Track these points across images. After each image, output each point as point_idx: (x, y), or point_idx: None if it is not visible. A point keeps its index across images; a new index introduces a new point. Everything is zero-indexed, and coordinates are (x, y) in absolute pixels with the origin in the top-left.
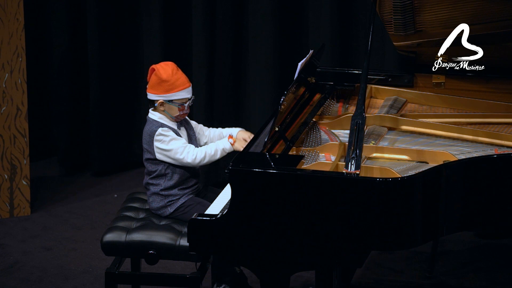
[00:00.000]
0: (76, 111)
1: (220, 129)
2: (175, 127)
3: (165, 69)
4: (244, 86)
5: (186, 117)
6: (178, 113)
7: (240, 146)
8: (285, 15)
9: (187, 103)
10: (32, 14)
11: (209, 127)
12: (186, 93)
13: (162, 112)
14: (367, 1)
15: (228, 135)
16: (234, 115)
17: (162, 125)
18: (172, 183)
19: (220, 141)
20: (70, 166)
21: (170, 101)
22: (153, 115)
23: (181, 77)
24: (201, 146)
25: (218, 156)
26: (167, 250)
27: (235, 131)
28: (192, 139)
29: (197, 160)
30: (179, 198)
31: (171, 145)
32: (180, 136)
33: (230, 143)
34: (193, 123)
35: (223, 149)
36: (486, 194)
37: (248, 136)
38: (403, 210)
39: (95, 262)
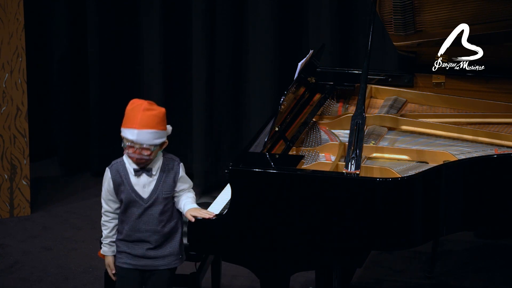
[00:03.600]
0: (76, 111)
1: (183, 202)
2: (133, 169)
3: (131, 103)
4: (244, 86)
5: (176, 172)
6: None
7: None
8: (285, 15)
9: (135, 147)
10: (32, 14)
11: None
12: (128, 134)
13: None
14: (367, 1)
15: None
16: (234, 115)
17: (113, 164)
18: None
19: (106, 247)
20: (70, 166)
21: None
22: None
23: (135, 116)
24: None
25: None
26: None
27: (189, 207)
28: (151, 196)
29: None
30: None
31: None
32: (128, 178)
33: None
34: (185, 182)
35: (102, 244)
36: (486, 194)
37: (197, 213)
38: (403, 210)
39: (95, 262)
